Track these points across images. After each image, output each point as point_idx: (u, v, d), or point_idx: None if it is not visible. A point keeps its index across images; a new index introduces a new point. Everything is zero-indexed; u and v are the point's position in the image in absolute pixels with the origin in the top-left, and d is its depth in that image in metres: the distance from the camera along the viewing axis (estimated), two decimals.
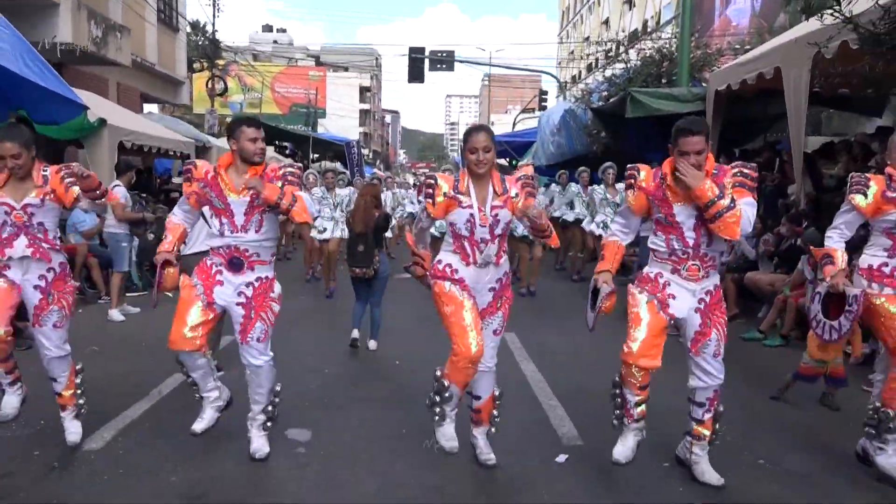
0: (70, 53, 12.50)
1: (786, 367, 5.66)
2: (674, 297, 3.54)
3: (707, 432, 3.69)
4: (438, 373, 3.72)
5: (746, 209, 3.38)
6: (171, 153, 12.64)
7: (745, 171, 3.48)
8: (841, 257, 3.72)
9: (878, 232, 3.72)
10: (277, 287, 3.94)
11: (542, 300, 9.42)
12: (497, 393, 3.88)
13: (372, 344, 6.52)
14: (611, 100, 12.51)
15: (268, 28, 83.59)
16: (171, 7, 19.92)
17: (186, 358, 3.84)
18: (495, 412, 3.88)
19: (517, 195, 3.66)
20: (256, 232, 3.77)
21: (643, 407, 3.61)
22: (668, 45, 14.36)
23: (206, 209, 3.92)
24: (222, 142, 14.10)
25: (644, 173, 3.63)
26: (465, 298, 3.63)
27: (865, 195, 3.63)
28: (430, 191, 3.68)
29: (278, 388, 4.04)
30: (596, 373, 5.61)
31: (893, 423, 3.56)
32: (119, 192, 7.82)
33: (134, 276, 9.09)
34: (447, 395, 3.69)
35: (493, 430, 3.90)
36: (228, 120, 34.21)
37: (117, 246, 7.92)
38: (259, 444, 3.95)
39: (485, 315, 3.72)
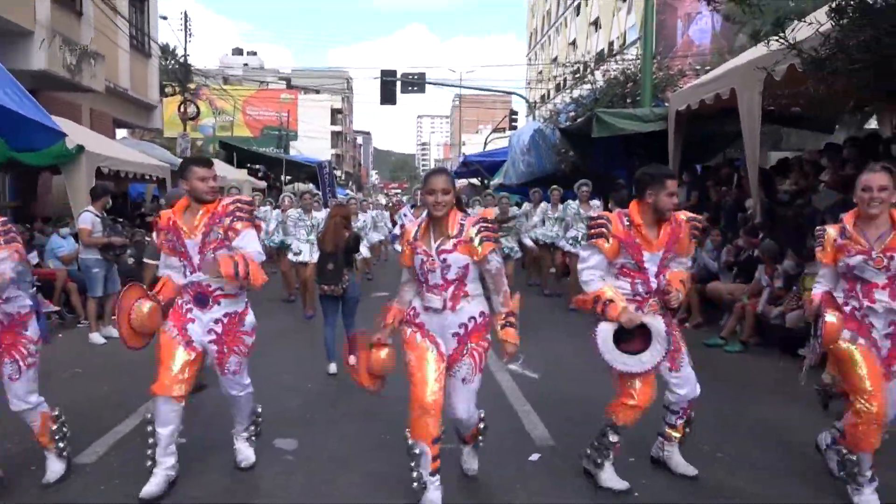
0: (44, 80, 12.63)
1: (745, 369, 5.94)
2: None
3: (678, 435, 4.03)
4: (407, 432, 3.65)
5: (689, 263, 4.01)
6: (147, 178, 12.74)
7: (697, 224, 3.87)
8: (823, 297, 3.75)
9: (840, 275, 3.77)
10: (249, 318, 4.01)
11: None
12: (481, 427, 3.96)
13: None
14: (578, 120, 12.92)
15: (238, 51, 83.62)
16: (144, 33, 20.06)
17: (166, 409, 3.75)
18: (480, 437, 4.04)
19: (472, 239, 3.51)
20: None
21: None
22: (632, 67, 14.89)
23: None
24: None
25: (613, 222, 3.76)
26: (429, 348, 3.59)
27: (823, 247, 3.74)
28: (401, 239, 3.74)
29: (259, 410, 4.26)
30: (565, 379, 5.90)
31: (859, 466, 3.66)
32: (86, 217, 7.85)
33: None
34: (416, 451, 3.59)
35: (478, 446, 4.06)
36: (199, 143, 34.00)
37: (88, 272, 7.97)
38: (246, 453, 4.15)
39: (451, 363, 3.64)
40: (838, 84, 5.61)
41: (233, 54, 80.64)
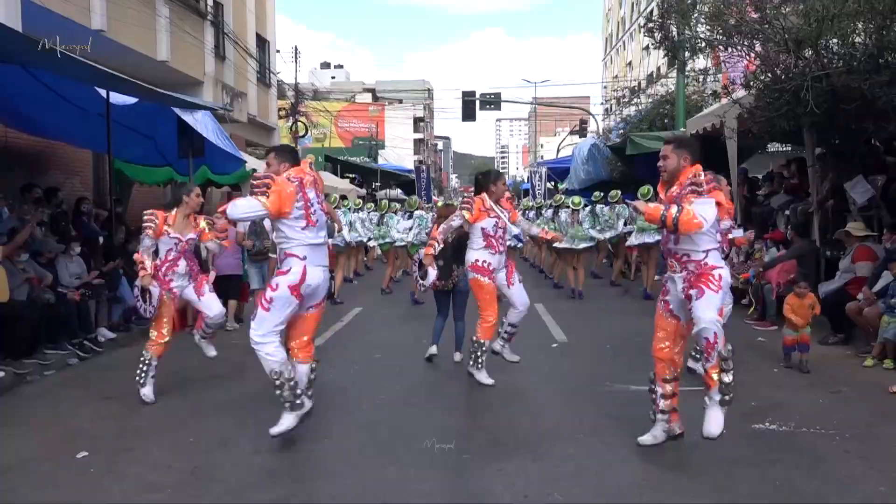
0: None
1: None
2: (668, 293, 4.32)
3: (710, 382, 4.03)
4: (474, 337, 5.83)
5: (697, 207, 3.90)
6: None
7: (695, 181, 4.02)
8: None
9: None
10: None
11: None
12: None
13: (456, 356, 6.83)
14: (619, 140, 15.93)
15: (326, 65, 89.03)
16: (266, 67, 24.19)
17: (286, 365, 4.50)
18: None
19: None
20: None
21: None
22: (673, 89, 17.70)
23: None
24: None
25: None
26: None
27: None
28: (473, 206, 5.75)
29: None
30: (588, 319, 9.10)
31: None
32: (240, 223, 9.63)
33: None
34: (484, 348, 5.83)
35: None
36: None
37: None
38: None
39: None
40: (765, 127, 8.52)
41: (321, 68, 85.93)
